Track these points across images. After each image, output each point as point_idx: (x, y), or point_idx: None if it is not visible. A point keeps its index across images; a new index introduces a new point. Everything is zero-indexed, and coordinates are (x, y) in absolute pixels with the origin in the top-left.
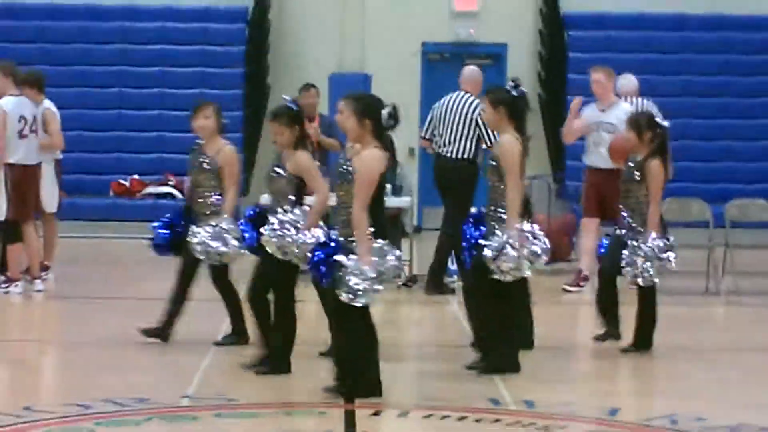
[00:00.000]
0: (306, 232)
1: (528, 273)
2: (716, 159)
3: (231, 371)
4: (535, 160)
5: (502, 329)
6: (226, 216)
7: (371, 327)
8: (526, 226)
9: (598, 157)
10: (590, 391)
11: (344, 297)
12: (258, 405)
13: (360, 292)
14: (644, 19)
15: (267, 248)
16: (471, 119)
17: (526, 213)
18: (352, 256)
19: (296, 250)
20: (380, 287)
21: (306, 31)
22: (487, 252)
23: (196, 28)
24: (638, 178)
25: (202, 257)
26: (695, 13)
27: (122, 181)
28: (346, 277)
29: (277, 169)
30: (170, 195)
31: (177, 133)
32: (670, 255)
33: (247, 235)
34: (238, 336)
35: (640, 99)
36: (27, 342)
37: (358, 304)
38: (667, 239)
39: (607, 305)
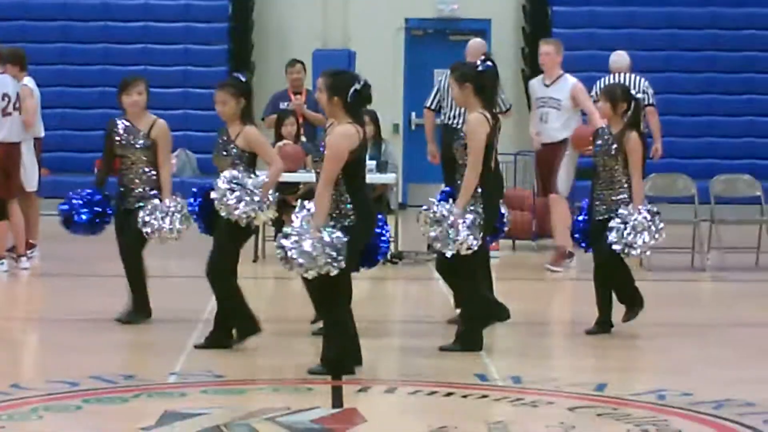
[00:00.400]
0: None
1: (448, 253)
2: (702, 134)
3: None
4: (519, 136)
5: (467, 305)
6: (165, 193)
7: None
8: (477, 208)
9: (543, 132)
10: (577, 367)
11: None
12: (245, 381)
13: (286, 257)
14: None
15: (217, 208)
16: None
17: (497, 191)
18: (301, 226)
19: (240, 214)
20: (335, 264)
21: (290, 7)
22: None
23: (179, 5)
24: (614, 151)
25: (157, 240)
26: None
27: None
28: (282, 241)
29: (227, 146)
30: None
31: (161, 110)
32: (660, 224)
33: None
34: (137, 312)
35: (632, 75)
36: (13, 319)
37: (309, 275)
38: (653, 209)
39: (621, 287)
